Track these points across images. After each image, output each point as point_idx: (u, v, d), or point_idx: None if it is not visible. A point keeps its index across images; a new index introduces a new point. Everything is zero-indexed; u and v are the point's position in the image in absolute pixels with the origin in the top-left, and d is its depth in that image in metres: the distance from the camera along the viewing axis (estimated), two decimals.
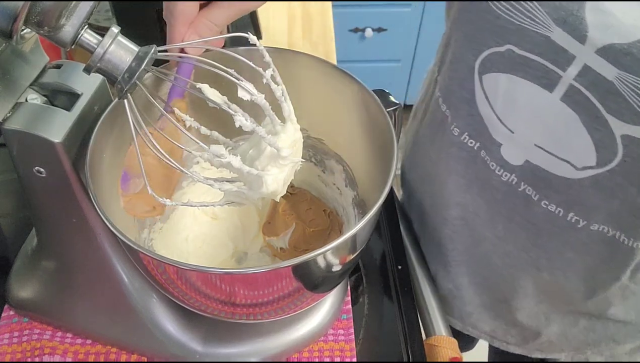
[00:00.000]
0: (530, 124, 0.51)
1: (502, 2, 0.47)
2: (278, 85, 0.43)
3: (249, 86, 0.41)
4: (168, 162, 0.41)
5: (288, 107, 0.44)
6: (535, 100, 0.49)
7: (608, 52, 0.42)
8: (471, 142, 0.57)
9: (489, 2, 0.48)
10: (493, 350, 0.83)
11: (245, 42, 0.43)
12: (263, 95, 0.42)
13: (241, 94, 0.41)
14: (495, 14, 0.48)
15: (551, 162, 0.51)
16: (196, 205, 0.43)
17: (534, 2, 0.45)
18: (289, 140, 0.44)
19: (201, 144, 0.40)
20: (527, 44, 0.47)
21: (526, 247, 0.59)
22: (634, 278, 0.56)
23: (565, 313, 0.64)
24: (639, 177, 0.47)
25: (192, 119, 0.46)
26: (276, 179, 0.43)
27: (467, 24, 0.52)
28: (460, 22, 0.54)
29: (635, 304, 0.61)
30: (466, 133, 0.57)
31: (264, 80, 0.42)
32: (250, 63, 0.43)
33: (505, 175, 0.55)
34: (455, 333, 0.70)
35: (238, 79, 0.40)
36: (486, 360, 0.88)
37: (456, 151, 0.59)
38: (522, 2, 0.45)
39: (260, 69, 0.43)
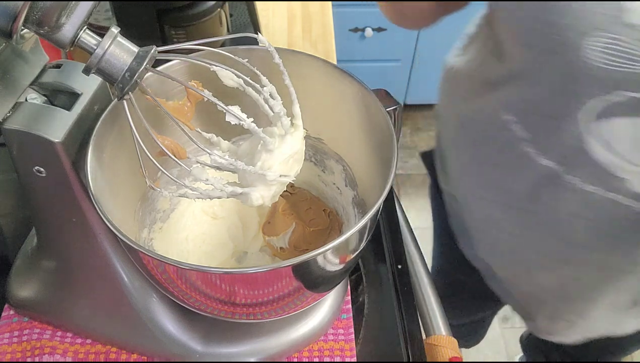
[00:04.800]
0: None
1: (597, 53, 0.45)
2: (289, 88, 0.43)
3: (236, 110, 0.41)
4: (173, 159, 0.41)
5: (297, 112, 0.44)
6: None
7: None
8: (592, 188, 0.55)
9: (581, 57, 0.46)
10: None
11: (245, 41, 0.43)
12: (252, 119, 0.42)
13: (229, 118, 0.41)
14: (589, 64, 0.46)
15: None
16: (192, 197, 0.43)
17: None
18: (285, 154, 0.44)
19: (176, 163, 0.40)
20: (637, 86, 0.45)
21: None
22: None
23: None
24: None
25: (210, 93, 0.44)
26: (262, 196, 0.44)
27: (549, 80, 0.50)
28: (534, 80, 0.52)
29: None
30: (588, 181, 0.55)
31: (263, 97, 0.42)
32: (248, 64, 0.43)
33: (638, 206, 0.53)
34: (462, 331, 0.69)
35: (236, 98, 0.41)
36: (486, 360, 0.88)
37: (571, 195, 0.56)
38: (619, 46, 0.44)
39: (258, 71, 0.43)
